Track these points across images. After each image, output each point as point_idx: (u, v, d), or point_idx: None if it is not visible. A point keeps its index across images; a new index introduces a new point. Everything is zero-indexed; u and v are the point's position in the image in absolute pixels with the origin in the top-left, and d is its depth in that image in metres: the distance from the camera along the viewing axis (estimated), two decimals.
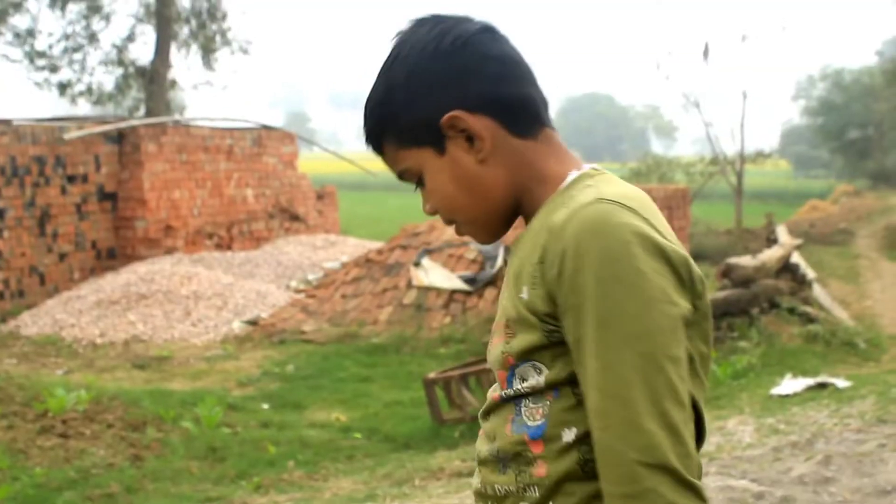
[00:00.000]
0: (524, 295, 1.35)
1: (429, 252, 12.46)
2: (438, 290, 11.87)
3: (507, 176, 1.44)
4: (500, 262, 11.91)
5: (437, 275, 12.09)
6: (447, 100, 1.42)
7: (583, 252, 1.26)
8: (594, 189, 1.36)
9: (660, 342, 1.24)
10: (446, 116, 1.41)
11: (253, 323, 11.94)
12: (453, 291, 11.81)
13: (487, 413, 1.47)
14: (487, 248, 12.24)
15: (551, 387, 1.35)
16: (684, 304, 1.28)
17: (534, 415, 1.37)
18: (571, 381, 1.33)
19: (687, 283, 1.29)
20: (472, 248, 12.33)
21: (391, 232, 16.64)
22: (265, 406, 8.65)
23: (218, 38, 20.35)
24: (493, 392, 1.46)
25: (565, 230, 1.29)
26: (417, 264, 12.24)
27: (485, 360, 8.91)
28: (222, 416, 7.80)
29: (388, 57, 1.47)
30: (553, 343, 1.33)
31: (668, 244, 1.29)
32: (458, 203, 1.46)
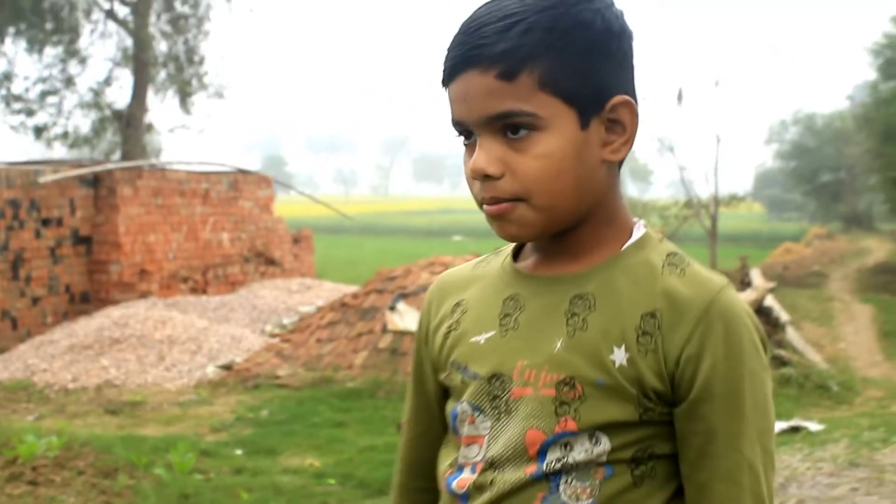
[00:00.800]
0: (618, 359, 1.23)
1: (404, 296, 12.45)
2: (413, 334, 11.85)
3: (604, 188, 1.31)
4: None
5: (412, 319, 12.07)
6: (622, 80, 1.29)
7: (734, 341, 1.21)
8: (690, 261, 1.30)
9: (773, 437, 1.26)
10: (622, 97, 1.27)
11: (227, 367, 11.87)
12: None
13: (483, 487, 1.30)
14: None
15: (605, 462, 1.25)
16: None
17: (579, 495, 1.25)
18: (634, 460, 1.25)
19: None
20: None
21: (367, 275, 16.63)
22: (238, 452, 8.58)
23: (195, 81, 20.40)
24: (515, 460, 1.28)
25: (707, 310, 1.21)
26: (393, 308, 12.23)
27: None
28: (195, 463, 7.72)
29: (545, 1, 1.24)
30: (642, 422, 1.24)
31: (766, 335, 1.30)
32: (557, 182, 1.25)
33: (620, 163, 1.33)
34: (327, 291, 16.00)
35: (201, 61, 20.42)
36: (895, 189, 24.20)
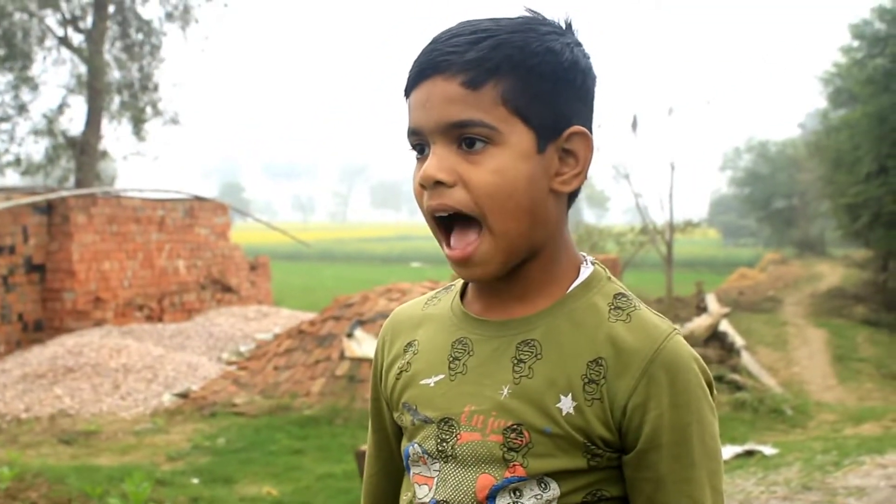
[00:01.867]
0: (565, 408, 1.23)
1: (361, 323, 12.42)
2: (371, 362, 11.82)
3: (553, 221, 1.30)
4: None
5: (369, 346, 12.04)
6: (582, 114, 1.29)
7: (679, 390, 1.21)
8: (637, 303, 1.29)
9: (721, 476, 1.27)
10: (579, 128, 1.27)
11: (184, 395, 11.77)
12: None
13: None
14: None
15: None
16: None
17: None
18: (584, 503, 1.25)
19: None
20: None
21: (325, 302, 16.58)
22: (195, 481, 8.49)
23: (149, 108, 20.29)
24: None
25: (653, 360, 1.22)
26: (350, 335, 12.19)
27: None
28: (150, 492, 7.63)
29: (519, 20, 1.27)
30: (590, 468, 1.24)
31: (711, 377, 1.30)
32: (510, 201, 1.24)
33: (571, 198, 1.32)
34: (284, 318, 15.92)
35: (156, 88, 20.31)
36: (846, 215, 24.53)
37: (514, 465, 1.24)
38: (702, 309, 16.54)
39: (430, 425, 1.33)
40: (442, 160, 1.25)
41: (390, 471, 1.50)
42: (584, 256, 1.35)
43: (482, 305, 1.36)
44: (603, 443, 1.23)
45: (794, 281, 31.00)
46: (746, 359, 12.81)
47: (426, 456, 1.34)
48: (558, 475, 1.24)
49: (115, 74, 19.65)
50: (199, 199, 17.50)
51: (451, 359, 1.34)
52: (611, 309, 1.27)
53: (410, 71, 1.30)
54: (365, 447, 6.45)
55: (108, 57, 19.44)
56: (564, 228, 1.33)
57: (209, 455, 9.41)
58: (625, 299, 1.29)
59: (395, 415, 1.43)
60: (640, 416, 1.21)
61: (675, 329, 1.27)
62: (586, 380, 1.23)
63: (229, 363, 13.23)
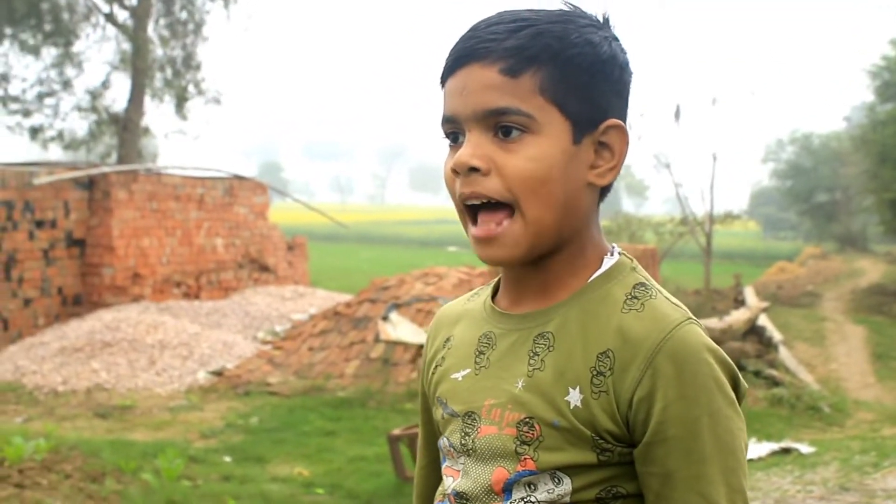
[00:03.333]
0: (573, 401, 1.21)
1: (397, 306, 12.43)
2: (406, 345, 11.83)
3: (585, 214, 1.29)
4: None
5: (404, 329, 12.04)
6: (618, 107, 1.28)
7: (687, 382, 1.17)
8: (657, 292, 1.25)
9: (743, 473, 1.21)
10: (616, 121, 1.27)
11: (218, 374, 11.84)
12: (420, 346, 11.77)
13: None
14: None
15: (570, 503, 1.23)
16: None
17: None
18: (599, 500, 1.23)
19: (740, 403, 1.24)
20: (441, 303, 12.31)
21: (361, 284, 16.59)
22: (227, 459, 8.54)
23: (191, 87, 20.37)
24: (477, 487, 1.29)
25: (658, 350, 1.18)
26: (385, 318, 12.20)
27: None
28: (183, 469, 7.69)
29: (558, 11, 1.27)
30: (601, 463, 1.22)
31: (735, 368, 1.24)
32: (544, 189, 1.23)
33: (603, 193, 1.31)
34: (320, 300, 15.97)
35: (198, 67, 20.39)
36: (890, 211, 24.22)
37: (525, 459, 1.24)
38: (739, 302, 16.40)
39: (457, 419, 1.33)
40: (477, 147, 1.24)
41: (437, 464, 1.49)
42: (612, 247, 1.33)
43: (509, 300, 1.35)
44: (612, 437, 1.20)
45: (833, 276, 30.67)
46: (784, 354, 12.68)
47: (453, 450, 1.35)
48: (569, 469, 1.22)
49: (158, 52, 19.75)
50: (238, 178, 17.57)
51: (477, 353, 1.34)
52: (627, 299, 1.25)
53: (447, 58, 1.29)
54: (397, 431, 6.48)
55: (151, 35, 19.54)
56: (594, 222, 1.32)
57: (242, 434, 9.46)
58: (643, 289, 1.26)
59: (433, 409, 1.44)
60: (647, 409, 1.18)
61: (690, 318, 1.22)
62: (595, 372, 1.21)
63: (264, 342, 13.29)
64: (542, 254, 1.27)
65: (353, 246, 47.10)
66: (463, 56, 1.26)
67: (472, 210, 1.28)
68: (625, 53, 1.29)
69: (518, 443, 1.24)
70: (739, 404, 1.22)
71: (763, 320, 12.97)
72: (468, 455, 1.30)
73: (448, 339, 1.43)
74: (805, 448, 7.05)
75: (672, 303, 1.24)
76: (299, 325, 13.88)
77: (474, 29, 1.27)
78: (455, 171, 1.26)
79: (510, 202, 1.23)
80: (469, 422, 1.31)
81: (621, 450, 1.21)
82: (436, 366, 1.43)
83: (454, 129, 1.28)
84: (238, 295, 15.93)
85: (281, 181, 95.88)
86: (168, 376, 11.66)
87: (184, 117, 20.47)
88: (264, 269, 17.22)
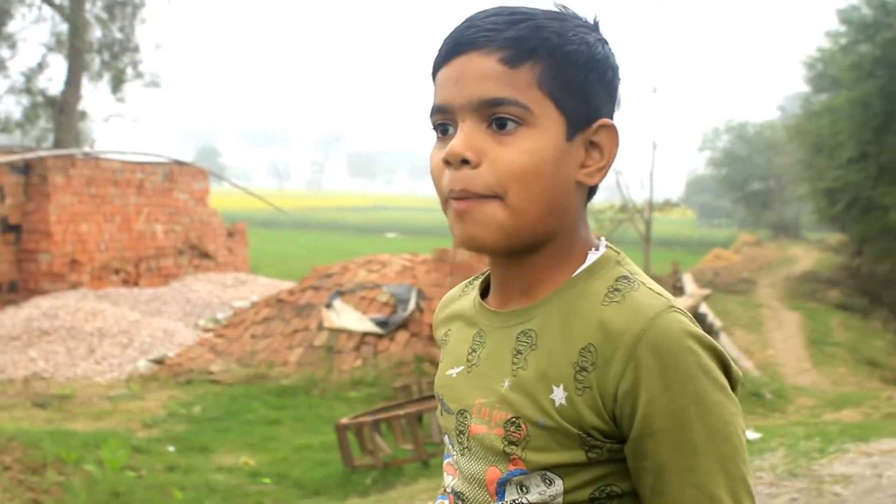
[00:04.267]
0: (558, 399, 1.18)
1: (341, 294, 12.37)
2: (350, 333, 11.79)
3: (571, 213, 1.26)
4: (412, 305, 11.88)
5: (348, 317, 12.00)
6: (609, 109, 1.27)
7: (671, 371, 1.13)
8: (639, 284, 1.22)
9: (742, 459, 1.17)
10: (608, 121, 1.25)
11: (159, 362, 11.69)
12: (365, 334, 11.74)
13: None
14: (400, 290, 12.22)
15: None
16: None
17: None
18: (593, 500, 1.20)
19: (734, 390, 1.21)
20: (385, 291, 12.28)
21: (300, 270, 16.49)
22: (171, 449, 8.44)
23: (129, 70, 20.06)
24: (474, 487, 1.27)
25: (639, 341, 1.14)
26: (329, 306, 12.15)
27: (398, 405, 8.86)
28: (127, 459, 7.59)
29: (553, 11, 1.26)
30: (592, 462, 1.19)
31: (726, 354, 1.20)
32: (536, 183, 1.20)
33: (591, 193, 1.29)
34: (262, 287, 15.86)
35: (137, 49, 20.08)
36: (824, 199, 24.64)
37: (514, 459, 1.22)
38: (678, 289, 16.60)
39: (452, 416, 1.32)
40: (470, 138, 1.20)
41: None
42: (599, 241, 1.30)
43: (497, 299, 1.33)
44: (600, 433, 1.17)
45: (768, 263, 31.20)
46: (724, 341, 12.86)
47: (451, 447, 1.34)
48: (560, 469, 1.19)
49: (96, 34, 19.40)
50: (178, 163, 17.35)
51: (469, 350, 1.33)
52: (608, 292, 1.21)
53: (442, 46, 1.26)
54: (345, 420, 6.42)
55: (89, 16, 19.18)
56: (581, 221, 1.28)
57: (185, 423, 9.36)
58: (626, 281, 1.22)
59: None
60: (632, 402, 1.14)
61: (672, 306, 1.18)
62: (577, 368, 1.18)
63: (206, 330, 13.15)
64: (523, 247, 1.24)
65: (290, 232, 46.78)
66: (461, 44, 1.23)
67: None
68: (615, 57, 1.28)
69: (506, 443, 1.22)
70: (733, 390, 1.19)
71: (703, 307, 13.14)
72: (462, 454, 1.29)
73: (447, 334, 1.43)
74: (751, 434, 7.13)
75: (654, 291, 1.21)
76: (241, 312, 13.75)
77: (472, 19, 1.25)
78: (447, 162, 1.22)
79: (499, 195, 1.20)
80: (462, 420, 1.29)
81: (611, 446, 1.18)
82: (440, 361, 1.42)
83: (445, 120, 1.25)
84: (178, 282, 15.75)
85: (218, 166, 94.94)
86: (108, 365, 11.49)
87: (121, 100, 20.15)
88: (205, 255, 17.04)
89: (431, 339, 11.45)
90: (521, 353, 1.24)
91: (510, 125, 1.20)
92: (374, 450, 7.55)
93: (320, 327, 12.01)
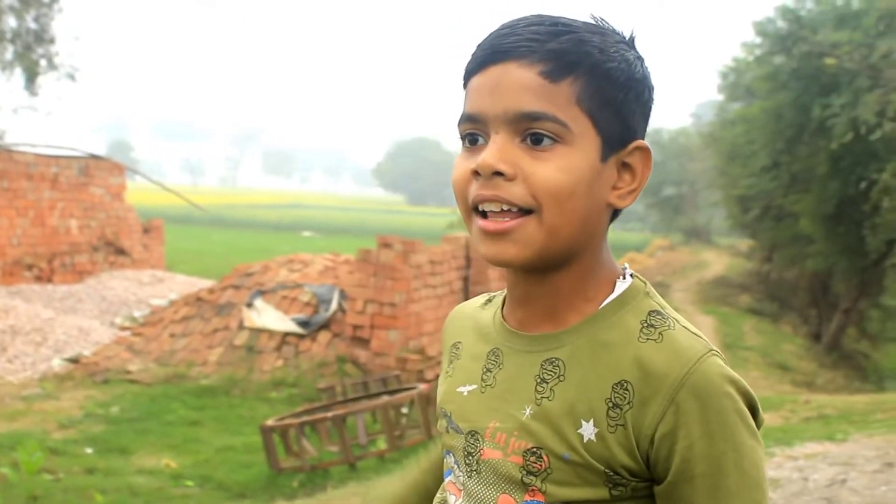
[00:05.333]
0: (587, 434, 1.15)
1: (262, 293, 12.25)
2: (271, 332, 11.68)
3: (598, 234, 1.23)
4: (334, 305, 11.82)
5: (269, 316, 11.89)
6: (642, 130, 1.24)
7: (712, 418, 1.12)
8: (674, 321, 1.19)
9: (767, 502, 1.17)
10: (643, 143, 1.22)
11: (74, 361, 11.43)
12: (286, 334, 11.65)
13: None
14: (322, 290, 12.14)
15: None
16: None
17: None
18: None
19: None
20: (307, 291, 12.19)
21: (216, 268, 16.28)
22: (89, 450, 8.26)
23: (44, 62, 19.57)
24: None
25: (682, 385, 1.13)
26: (250, 305, 12.02)
27: (322, 407, 8.79)
28: (43, 462, 7.39)
29: (592, 23, 1.21)
30: (614, 499, 1.16)
31: (755, 398, 1.19)
32: (570, 202, 1.16)
33: (615, 214, 1.25)
34: (180, 285, 15.62)
35: (52, 40, 19.59)
36: (737, 206, 25.13)
37: (533, 490, 1.18)
38: None
39: (461, 436, 1.28)
40: (504, 151, 1.15)
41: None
42: (624, 269, 1.27)
43: (516, 319, 1.28)
44: (627, 472, 1.15)
45: (681, 267, 31.71)
46: None
47: (456, 467, 1.29)
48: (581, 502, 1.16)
49: (9, 22, 18.89)
50: (94, 157, 16.99)
51: (484, 370, 1.28)
52: (642, 328, 1.18)
53: (477, 52, 1.21)
54: (270, 422, 6.36)
55: (2, 5, 18.67)
56: (605, 244, 1.25)
57: (103, 424, 9.16)
58: (660, 317, 1.19)
59: (438, 418, 1.38)
60: (669, 446, 1.13)
61: (712, 350, 1.16)
62: (610, 404, 1.15)
63: (123, 328, 12.90)
64: (549, 264, 1.21)
65: (205, 229, 46.09)
66: (499, 52, 1.17)
67: (482, 213, 1.20)
68: (651, 76, 1.24)
69: (524, 472, 1.18)
70: (759, 430, 1.19)
71: None
72: (469, 476, 1.25)
73: (457, 346, 1.37)
74: None
75: (691, 332, 1.19)
76: (159, 310, 13.52)
77: (512, 26, 1.19)
78: (476, 173, 1.17)
79: (532, 209, 1.16)
80: (472, 441, 1.25)
81: (636, 484, 1.16)
82: (446, 374, 1.37)
83: (476, 130, 1.20)
84: (93, 279, 15.42)
85: (130, 161, 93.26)
86: (20, 363, 11.20)
87: (34, 93, 19.65)
88: (120, 252, 16.71)
89: (354, 338, 11.40)
90: (547, 383, 1.20)
91: (546, 141, 1.15)
92: (300, 452, 7.48)
93: (241, 327, 11.88)
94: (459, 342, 1.37)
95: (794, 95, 18.64)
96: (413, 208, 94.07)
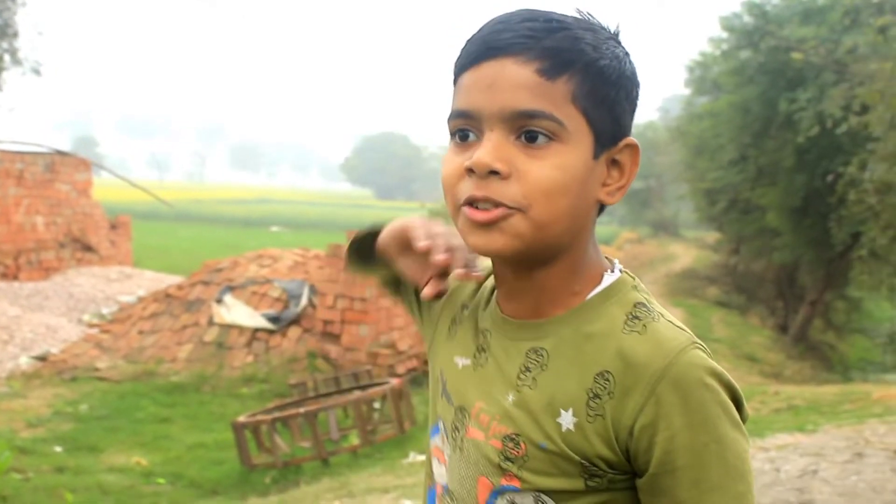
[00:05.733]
0: (565, 423, 1.16)
1: (231, 289, 12.19)
2: (241, 328, 11.63)
3: (586, 230, 1.22)
4: (304, 301, 11.78)
5: (239, 312, 11.84)
6: (630, 124, 1.23)
7: (694, 409, 1.11)
8: (658, 314, 1.20)
9: (753, 496, 1.16)
10: (633, 140, 1.21)
11: (42, 359, 11.32)
12: (256, 330, 11.60)
13: None
14: (292, 286, 12.10)
15: None
16: None
17: None
18: None
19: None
20: (276, 287, 12.15)
21: (183, 264, 16.17)
22: (58, 449, 8.19)
23: (7, 57, 19.33)
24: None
25: (662, 376, 1.12)
26: (219, 301, 11.96)
27: (293, 403, 8.77)
28: (12, 461, 7.32)
29: (581, 19, 1.19)
30: (589, 489, 1.16)
31: (740, 390, 1.18)
32: (562, 200, 1.15)
33: (601, 210, 1.24)
34: (148, 281, 15.50)
35: (16, 35, 19.36)
36: (704, 199, 25.30)
37: (509, 475, 1.19)
38: None
39: (451, 407, 1.29)
40: (498, 149, 1.14)
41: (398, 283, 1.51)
42: (611, 262, 1.26)
43: (505, 304, 1.28)
44: (605, 463, 1.14)
45: (650, 260, 31.88)
46: None
47: (444, 434, 1.31)
48: (555, 494, 1.17)
49: None
50: (60, 153, 16.82)
51: (478, 347, 1.28)
52: (627, 319, 1.18)
53: (469, 46, 1.19)
54: (242, 418, 6.30)
55: None
56: (592, 240, 1.25)
57: (72, 422, 9.09)
58: (644, 309, 1.19)
59: (430, 352, 1.41)
60: (649, 438, 1.12)
61: (695, 342, 1.16)
62: (591, 394, 1.14)
63: (91, 326, 12.79)
64: (537, 259, 1.20)
65: (172, 224, 45.78)
66: (493, 48, 1.16)
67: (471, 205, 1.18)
68: (637, 72, 1.23)
69: (502, 457, 1.19)
70: (744, 424, 1.18)
71: None
72: (454, 451, 1.27)
73: (464, 307, 1.37)
74: None
75: (675, 325, 1.18)
76: (127, 307, 13.42)
77: (505, 21, 1.17)
78: (469, 171, 1.16)
79: (522, 209, 1.15)
80: (460, 416, 1.27)
81: (613, 476, 1.15)
82: (448, 334, 1.37)
83: (468, 126, 1.18)
84: (60, 276, 15.27)
85: (96, 156, 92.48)
86: None
87: None
88: (87, 248, 16.56)
89: (325, 334, 11.37)
90: (530, 372, 1.20)
91: (541, 139, 1.14)
92: (272, 448, 7.46)
93: (210, 323, 11.82)
94: (466, 307, 1.36)
95: (760, 90, 18.80)
96: (381, 203, 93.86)
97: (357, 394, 8.48)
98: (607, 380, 1.14)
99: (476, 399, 1.24)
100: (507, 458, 1.19)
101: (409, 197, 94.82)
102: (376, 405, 8.61)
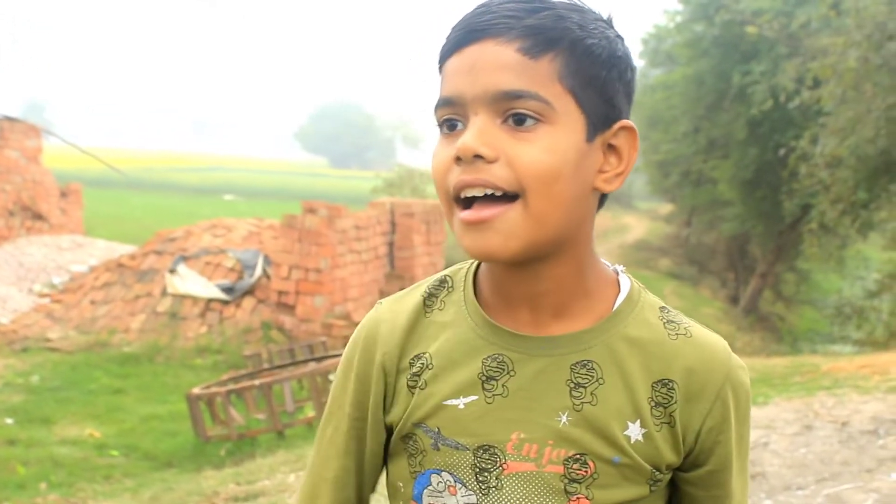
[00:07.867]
0: (633, 435, 1.16)
1: (185, 259, 12.10)
2: (194, 299, 11.56)
3: (586, 222, 1.18)
4: (258, 271, 11.72)
5: (193, 282, 11.76)
6: (627, 110, 1.18)
7: (743, 406, 1.21)
8: (682, 317, 1.23)
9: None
10: (629, 123, 1.16)
11: None
12: (210, 300, 11.53)
13: None
14: (246, 256, 12.04)
15: None
16: None
17: None
18: None
19: None
20: (230, 257, 12.07)
21: (136, 233, 16.02)
22: (9, 421, 8.11)
23: None
24: None
25: (725, 381, 1.19)
26: (173, 271, 11.86)
27: (248, 374, 8.74)
28: None
29: (569, 2, 1.15)
30: (651, 494, 1.20)
31: None
32: (556, 185, 1.10)
33: (601, 202, 1.20)
34: (100, 250, 15.34)
35: None
36: (658, 171, 25.51)
37: (577, 497, 1.16)
38: None
39: (463, 452, 1.19)
40: (484, 133, 1.09)
41: (359, 475, 1.30)
42: (615, 267, 1.25)
43: (509, 316, 1.20)
44: (667, 468, 1.19)
45: (603, 232, 32.06)
46: None
47: (459, 485, 1.20)
48: None
49: None
50: (9, 119, 16.54)
51: (484, 378, 1.19)
52: (664, 324, 1.19)
53: (452, 33, 1.15)
54: (197, 390, 6.21)
55: None
56: (592, 231, 1.20)
57: (23, 393, 9.00)
58: (670, 313, 1.22)
59: (399, 438, 1.25)
60: (714, 438, 1.19)
61: (726, 345, 1.24)
62: (653, 403, 1.16)
63: (41, 295, 12.64)
64: (539, 256, 1.15)
65: (124, 192, 45.24)
66: (475, 31, 1.12)
67: (465, 202, 1.12)
68: (631, 56, 1.20)
69: (567, 480, 1.15)
70: None
71: None
72: (487, 493, 1.18)
73: (417, 357, 1.23)
74: None
75: (703, 327, 1.24)
76: (79, 277, 13.28)
77: (486, 5, 1.14)
78: (457, 159, 1.11)
79: (517, 193, 1.10)
80: (486, 457, 1.18)
81: (666, 477, 1.21)
82: (409, 388, 1.23)
83: (454, 114, 1.14)
84: (10, 244, 15.05)
85: (45, 122, 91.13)
86: None
87: None
88: (38, 217, 16.34)
89: (279, 304, 11.34)
90: (585, 387, 1.16)
91: (529, 121, 1.10)
92: (227, 420, 7.43)
93: (164, 293, 11.73)
94: (421, 353, 1.24)
95: (714, 62, 18.95)
96: (336, 171, 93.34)
97: (312, 366, 8.47)
98: (671, 388, 1.16)
99: (510, 431, 1.17)
100: (573, 480, 1.16)
101: (364, 166, 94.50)
102: (331, 377, 8.61)
